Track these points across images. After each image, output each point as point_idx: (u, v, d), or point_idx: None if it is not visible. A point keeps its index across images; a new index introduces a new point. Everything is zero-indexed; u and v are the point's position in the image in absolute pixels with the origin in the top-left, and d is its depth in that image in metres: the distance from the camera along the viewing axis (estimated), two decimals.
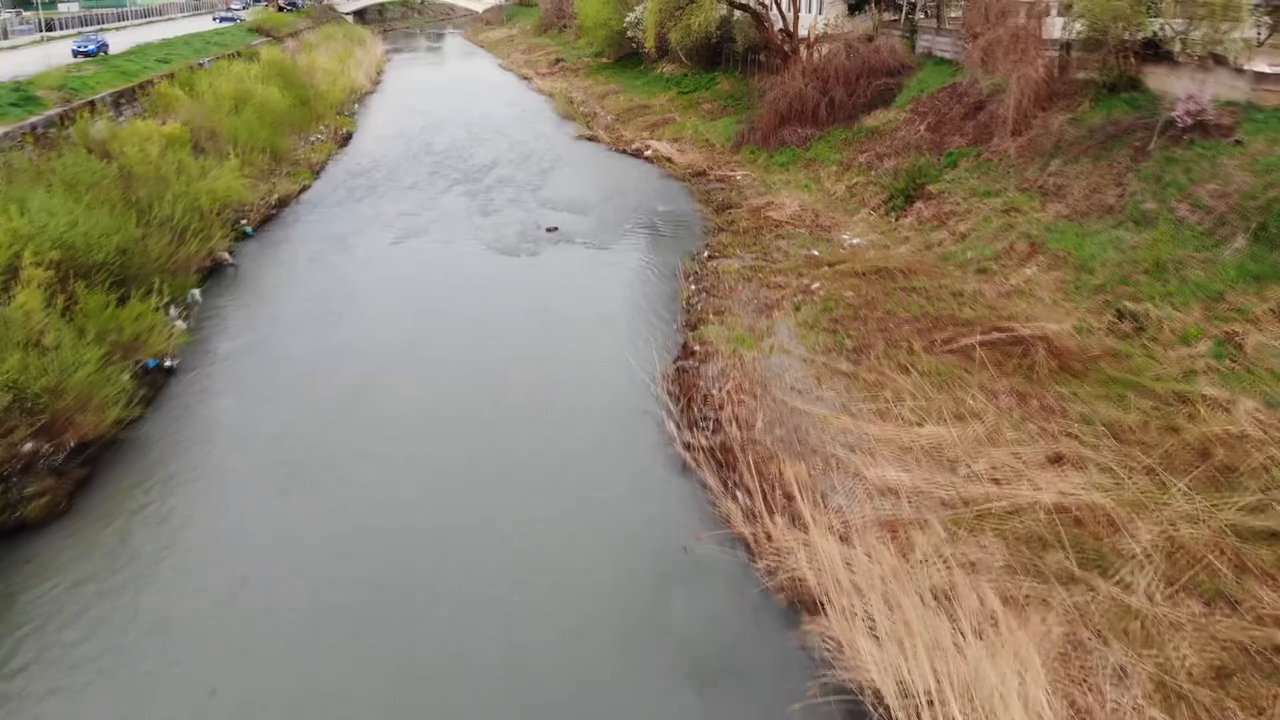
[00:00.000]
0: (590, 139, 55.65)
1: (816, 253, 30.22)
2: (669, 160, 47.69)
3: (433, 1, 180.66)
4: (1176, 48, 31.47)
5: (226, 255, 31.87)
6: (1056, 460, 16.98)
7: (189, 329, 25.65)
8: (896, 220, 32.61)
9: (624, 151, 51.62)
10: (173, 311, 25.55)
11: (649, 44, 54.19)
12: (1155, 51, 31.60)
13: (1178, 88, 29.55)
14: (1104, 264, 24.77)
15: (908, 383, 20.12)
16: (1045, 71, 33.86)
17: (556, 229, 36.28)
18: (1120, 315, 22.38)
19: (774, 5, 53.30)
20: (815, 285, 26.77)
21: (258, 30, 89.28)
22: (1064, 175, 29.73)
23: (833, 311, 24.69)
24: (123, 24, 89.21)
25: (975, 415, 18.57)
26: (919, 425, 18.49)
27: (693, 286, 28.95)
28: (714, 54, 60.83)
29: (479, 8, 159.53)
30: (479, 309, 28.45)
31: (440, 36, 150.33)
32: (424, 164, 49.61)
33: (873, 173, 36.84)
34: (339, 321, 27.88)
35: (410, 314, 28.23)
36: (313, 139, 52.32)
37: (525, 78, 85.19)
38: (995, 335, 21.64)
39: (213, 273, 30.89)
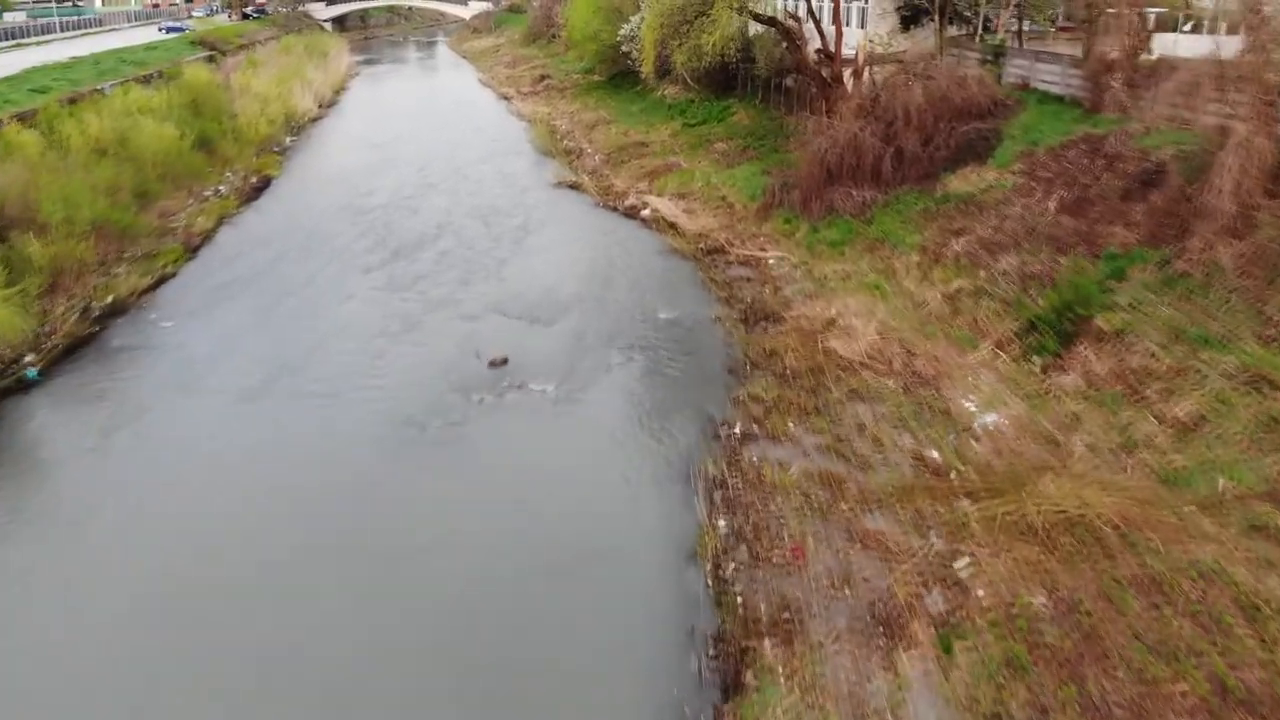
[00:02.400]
0: (572, 187, 42.71)
1: (936, 454, 17.25)
2: (673, 227, 34.76)
3: (420, 8, 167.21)
4: None
5: None
6: None
7: None
8: (1046, 374, 19.65)
9: (614, 209, 38.68)
10: None
11: (646, 68, 41.34)
12: None
13: None
14: None
15: None
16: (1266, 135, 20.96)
17: (505, 361, 23.35)
18: None
19: (808, 18, 40.33)
20: (962, 563, 13.84)
21: (201, 43, 76.41)
22: None
23: (1025, 669, 11.76)
24: (46, 38, 76.09)
25: None
26: None
27: (720, 522, 16.04)
28: (727, 76, 47.86)
29: (467, 14, 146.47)
30: (329, 580, 15.55)
31: (423, 45, 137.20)
32: (350, 230, 36.64)
33: (982, 274, 23.86)
34: (90, 581, 15.14)
35: (208, 574, 15.41)
36: (209, 193, 39.31)
37: (505, 97, 72.17)
38: None
39: None
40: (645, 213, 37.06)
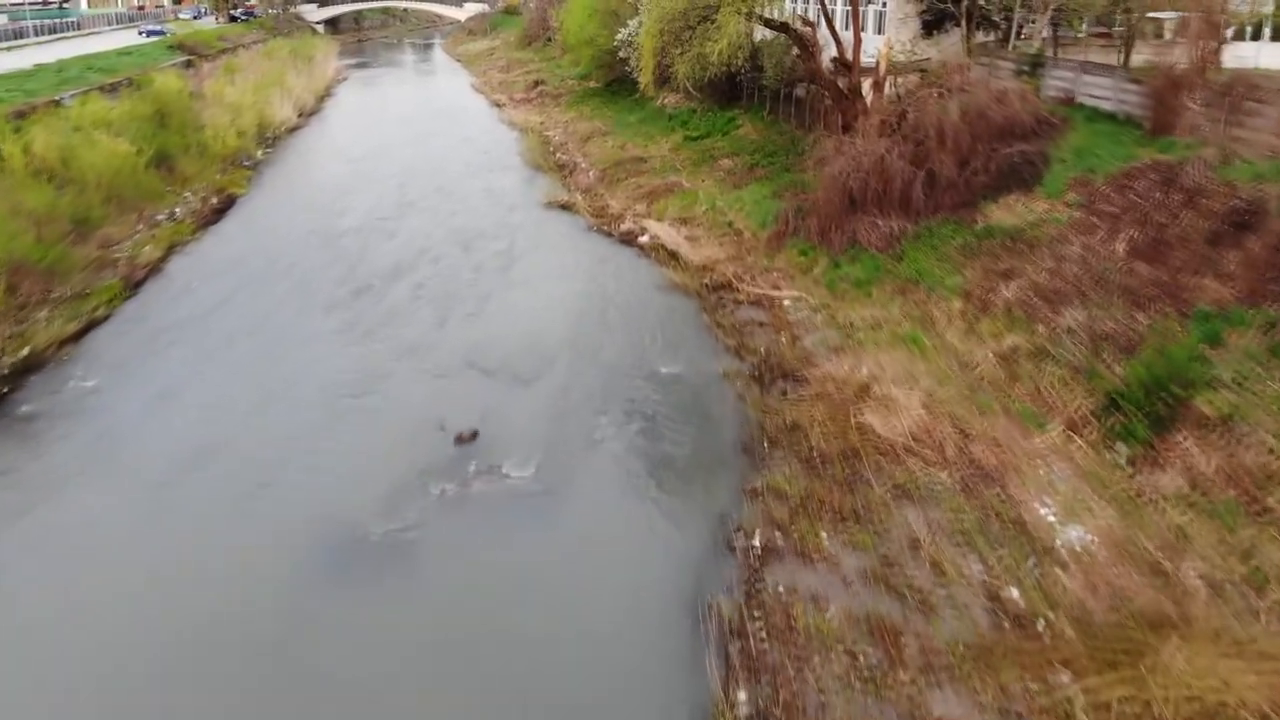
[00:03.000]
0: (564, 207, 38.82)
1: (1015, 592, 13.35)
2: (674, 257, 30.89)
3: (417, 10, 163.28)
4: None
5: None
6: None
7: None
8: (1135, 469, 15.78)
9: (609, 234, 34.81)
10: None
11: (644, 79, 37.43)
12: None
13: None
14: None
15: None
16: None
17: (475, 436, 19.49)
18: None
19: (822, 23, 36.48)
20: None
21: (180, 48, 72.52)
22: None
23: None
24: (19, 42, 72.01)
25: None
26: None
27: (741, 697, 12.16)
28: (732, 85, 43.96)
29: (462, 16, 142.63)
30: None
31: (418, 48, 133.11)
32: (316, 258, 32.80)
33: (1041, 329, 19.99)
34: None
35: None
36: (162, 216, 35.39)
37: (497, 104, 68.25)
38: None
39: None
40: (643, 239, 33.20)
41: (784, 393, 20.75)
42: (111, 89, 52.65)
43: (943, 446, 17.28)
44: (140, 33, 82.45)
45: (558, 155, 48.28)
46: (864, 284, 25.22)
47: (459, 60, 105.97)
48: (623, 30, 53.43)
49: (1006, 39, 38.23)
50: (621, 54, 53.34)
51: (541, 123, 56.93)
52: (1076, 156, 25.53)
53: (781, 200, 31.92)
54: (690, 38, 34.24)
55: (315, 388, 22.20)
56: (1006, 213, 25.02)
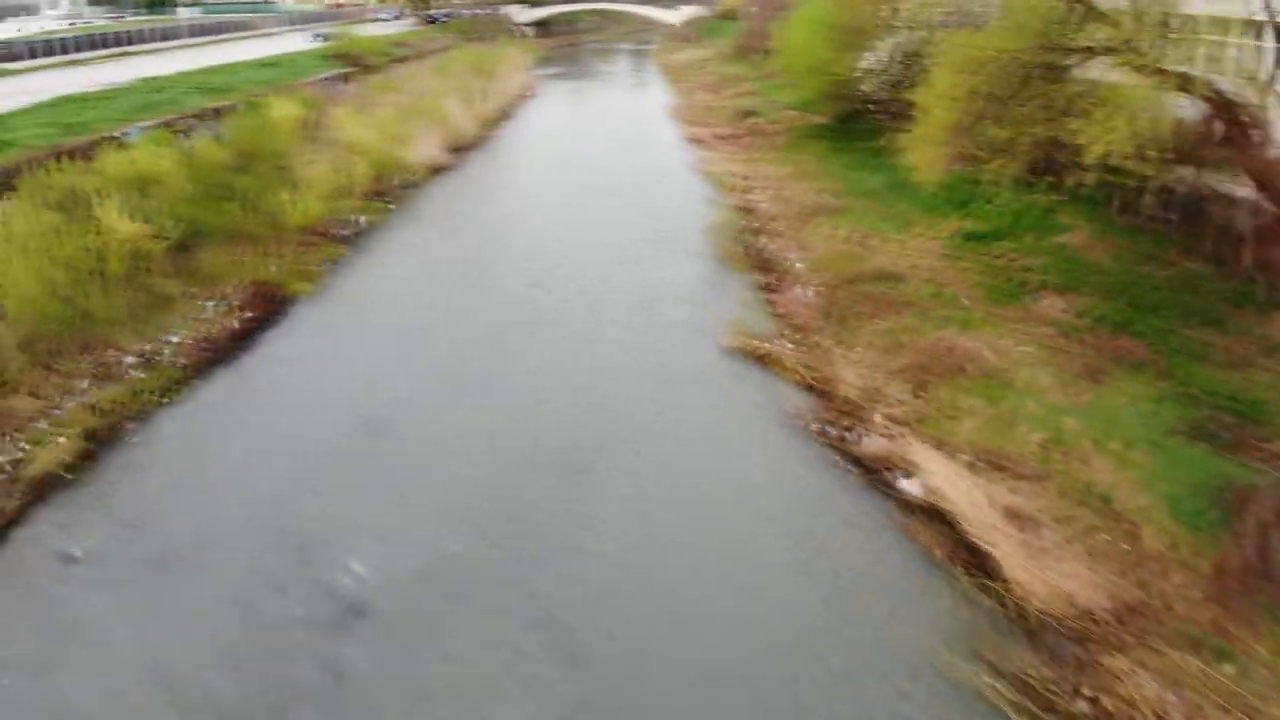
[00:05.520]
0: (760, 360, 22.78)
1: None
2: (982, 564, 14.33)
3: (630, 13, 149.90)
4: None
5: None
6: None
7: None
8: None
9: (834, 445, 18.52)
10: None
11: (922, 166, 20.39)
12: None
13: None
14: None
15: None
16: None
17: None
18: None
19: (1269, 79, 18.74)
20: None
21: (340, 57, 61.07)
22: None
23: None
24: (165, 44, 62.29)
25: None
26: None
27: None
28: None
29: (676, 20, 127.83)
30: None
31: (630, 55, 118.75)
32: (327, 478, 18.31)
33: None
34: None
35: None
36: (132, 358, 21.68)
37: (696, 139, 52.27)
38: None
39: None
40: (910, 486, 16.80)
41: None
42: (214, 115, 40.73)
43: None
44: (314, 36, 72.11)
45: (761, 239, 32.16)
46: None
47: (665, 72, 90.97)
48: (868, 56, 36.85)
49: None
50: (865, 86, 36.77)
51: (745, 178, 40.74)
52: None
53: (1213, 448, 14.77)
54: (1025, 100, 17.44)
55: None
56: None
